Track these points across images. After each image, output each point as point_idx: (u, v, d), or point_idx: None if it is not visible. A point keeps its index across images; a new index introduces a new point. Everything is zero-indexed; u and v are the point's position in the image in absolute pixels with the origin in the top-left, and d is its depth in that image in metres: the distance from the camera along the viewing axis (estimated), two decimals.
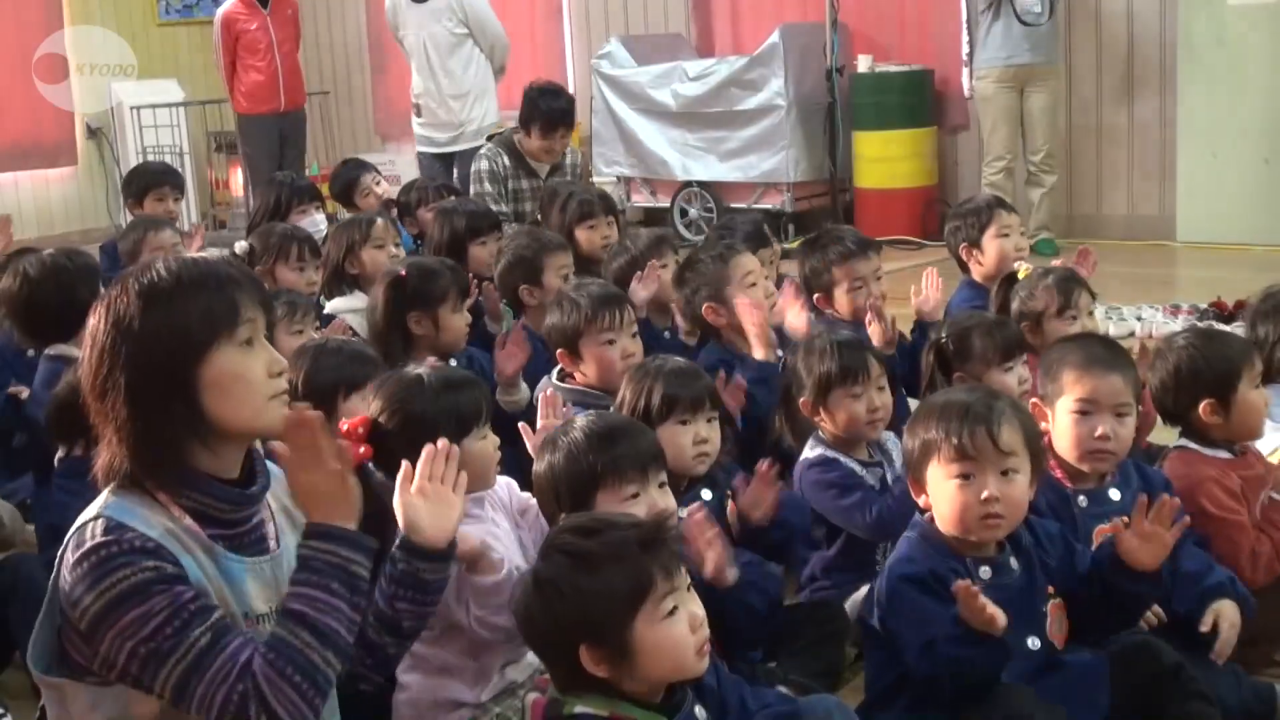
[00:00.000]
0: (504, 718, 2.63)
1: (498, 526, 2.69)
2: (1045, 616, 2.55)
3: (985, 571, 2.50)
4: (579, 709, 2.01)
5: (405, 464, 2.19)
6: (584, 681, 2.03)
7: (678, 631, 2.00)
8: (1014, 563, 2.53)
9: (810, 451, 3.20)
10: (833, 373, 3.15)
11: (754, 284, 3.81)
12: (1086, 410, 2.81)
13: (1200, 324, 3.52)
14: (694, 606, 2.04)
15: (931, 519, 2.54)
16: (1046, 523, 2.64)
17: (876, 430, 3.20)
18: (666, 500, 2.53)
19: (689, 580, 2.06)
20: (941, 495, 2.49)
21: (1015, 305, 3.76)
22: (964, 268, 4.45)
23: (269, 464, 2.11)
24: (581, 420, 2.62)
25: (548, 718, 2.04)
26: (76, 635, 1.90)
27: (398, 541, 2.18)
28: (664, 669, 2.02)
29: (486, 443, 2.64)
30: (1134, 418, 2.87)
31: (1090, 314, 3.77)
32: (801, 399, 3.20)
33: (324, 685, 1.89)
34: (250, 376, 1.96)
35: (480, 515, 2.67)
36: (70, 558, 1.89)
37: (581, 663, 2.00)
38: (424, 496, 2.16)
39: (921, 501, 2.56)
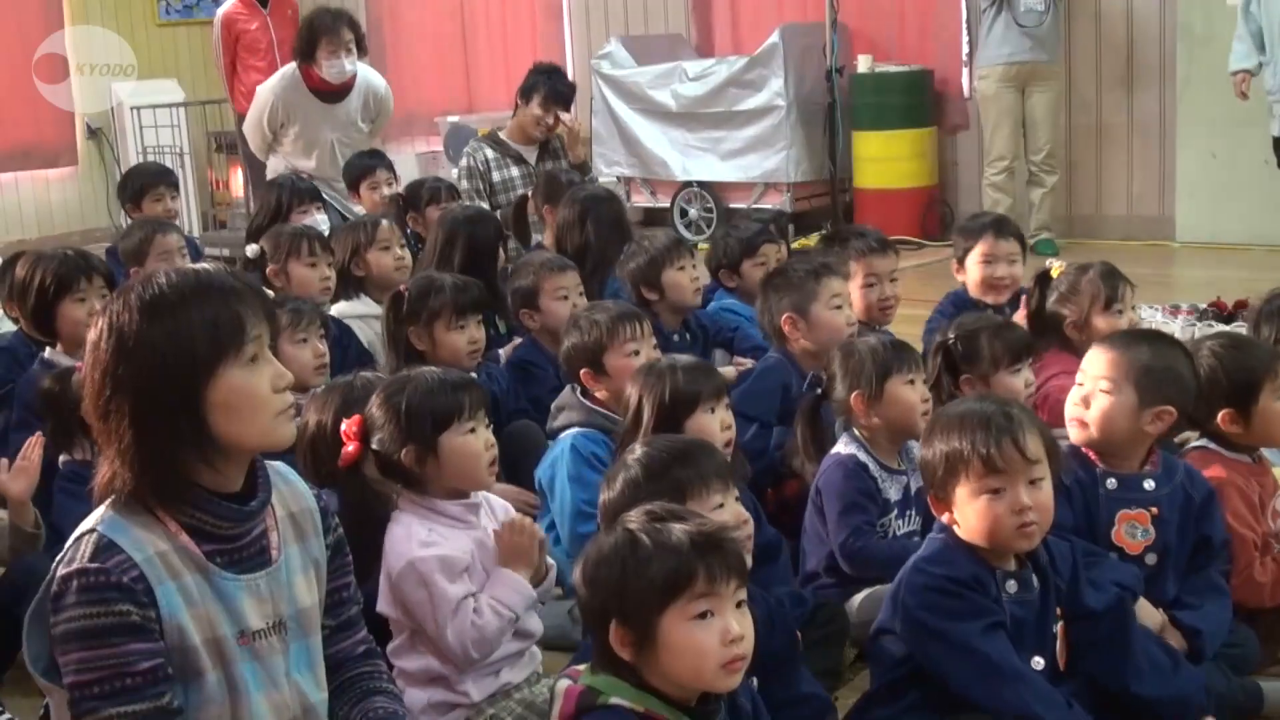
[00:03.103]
0: (497, 718, 2.64)
1: (486, 535, 2.69)
2: (1055, 638, 2.54)
3: (1011, 585, 2.50)
4: (615, 699, 2.03)
5: None
6: (612, 661, 2.04)
7: (704, 637, 2.00)
8: (1034, 580, 2.53)
9: (844, 448, 3.21)
10: (890, 361, 3.18)
11: (839, 306, 3.77)
12: (1082, 381, 2.82)
13: (1229, 328, 3.52)
14: (733, 622, 2.02)
15: (953, 532, 2.53)
16: (1059, 542, 2.61)
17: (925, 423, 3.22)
18: (742, 509, 2.51)
19: (742, 597, 2.06)
20: (972, 511, 2.47)
21: (1053, 301, 3.75)
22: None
23: (279, 469, 2.11)
24: (644, 446, 2.56)
25: (581, 705, 2.04)
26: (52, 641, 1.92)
27: None
28: (682, 671, 2.01)
29: (471, 439, 2.64)
30: (1121, 398, 2.85)
31: (1133, 308, 3.77)
32: (854, 393, 3.19)
33: None
34: (258, 394, 1.94)
35: (473, 522, 2.68)
36: (61, 570, 1.90)
37: (610, 638, 2.03)
38: None
39: (944, 518, 2.53)
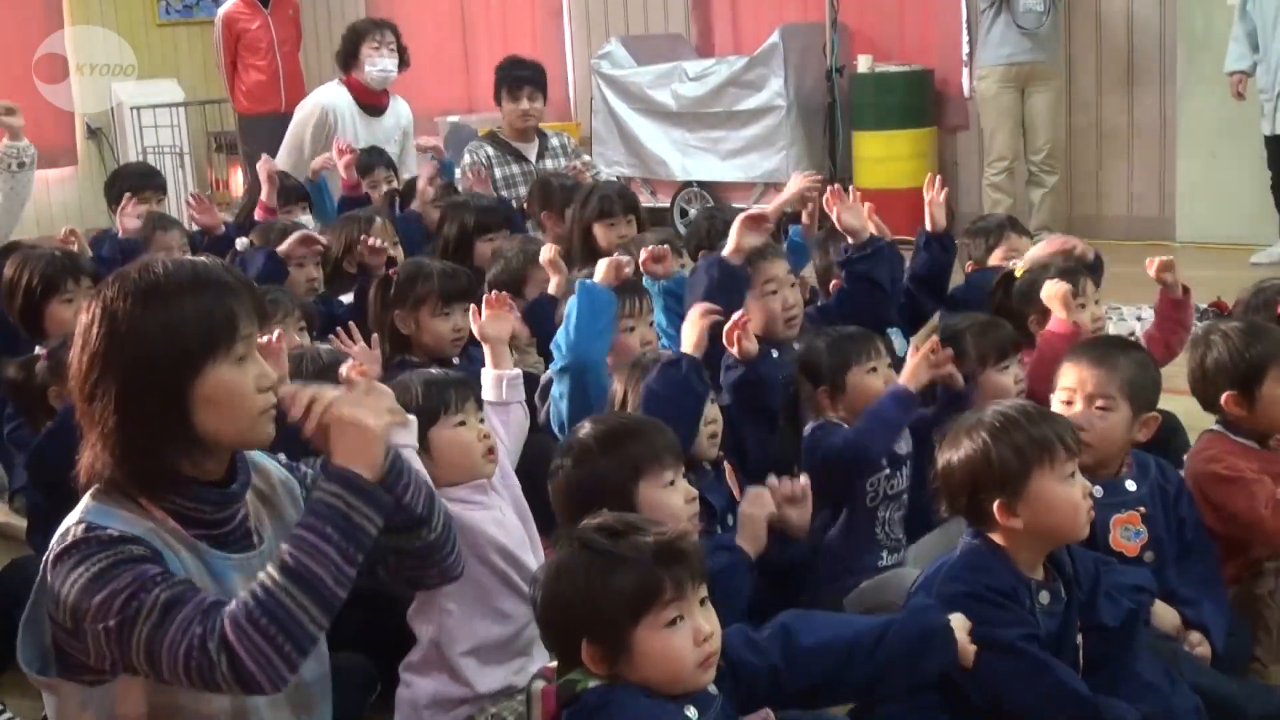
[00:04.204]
0: (499, 717, 2.65)
1: (503, 515, 2.72)
2: (1077, 649, 2.53)
3: (1044, 597, 2.48)
4: (593, 683, 2.02)
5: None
6: (586, 671, 2.04)
7: (677, 642, 2.01)
8: (1063, 591, 2.51)
9: (814, 423, 3.20)
10: (848, 352, 3.17)
11: (774, 291, 3.69)
12: (1069, 400, 2.90)
13: (1244, 316, 3.52)
14: (702, 621, 2.03)
15: (989, 540, 2.48)
16: (1082, 552, 2.59)
17: None
18: (689, 486, 2.55)
19: (704, 595, 2.07)
20: (1056, 499, 2.40)
21: (1017, 301, 3.75)
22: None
23: (253, 455, 2.09)
24: (595, 423, 2.59)
25: (560, 698, 2.04)
26: (64, 633, 1.88)
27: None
28: (660, 677, 2.02)
29: (461, 431, 2.66)
30: (1118, 414, 2.88)
31: (1096, 302, 3.77)
32: (819, 389, 3.19)
33: (299, 635, 1.75)
34: (243, 392, 1.93)
35: (484, 502, 2.70)
36: (51, 560, 1.88)
37: (581, 656, 2.02)
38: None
39: (1001, 520, 2.43)
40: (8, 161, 5.06)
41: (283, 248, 4.48)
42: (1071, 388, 2.92)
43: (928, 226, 4.14)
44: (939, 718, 2.47)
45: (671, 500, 2.48)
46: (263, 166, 5.68)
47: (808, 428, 3.21)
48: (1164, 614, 2.81)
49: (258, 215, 5.38)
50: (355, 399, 1.89)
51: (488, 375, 3.05)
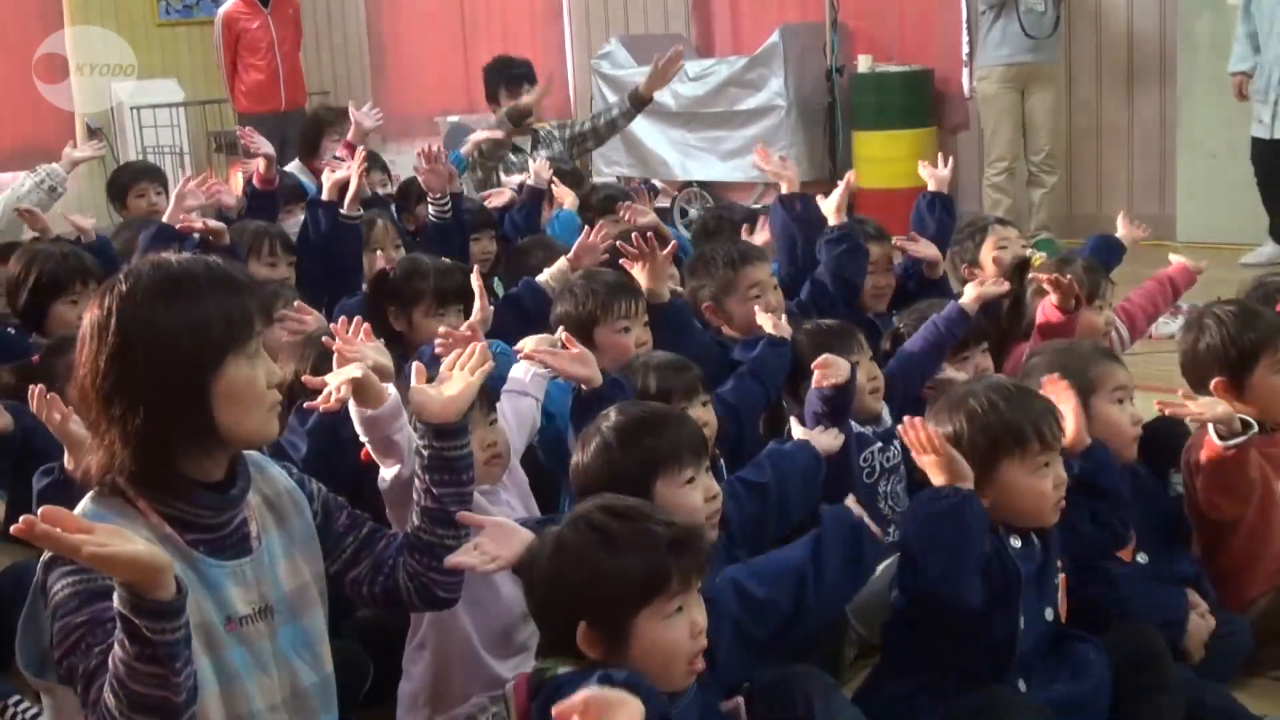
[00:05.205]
0: (500, 716, 2.64)
1: (513, 510, 2.72)
2: (1057, 589, 2.57)
3: (1015, 541, 2.51)
4: (562, 669, 2.01)
5: (417, 364, 2.24)
6: (575, 655, 2.03)
7: (677, 633, 2.01)
8: (1034, 537, 2.55)
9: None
10: (832, 346, 3.18)
11: (758, 296, 3.71)
12: (1123, 398, 2.89)
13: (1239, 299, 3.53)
14: (697, 614, 2.04)
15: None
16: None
17: (878, 400, 3.28)
18: (713, 482, 2.52)
19: (700, 585, 2.07)
20: (1021, 488, 2.47)
21: (1033, 293, 3.75)
22: None
23: (253, 457, 2.10)
24: (620, 412, 2.56)
25: (531, 687, 2.04)
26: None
27: (418, 431, 2.18)
28: (654, 667, 2.01)
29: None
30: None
31: (1111, 304, 3.79)
32: (802, 383, 3.20)
33: None
34: (258, 387, 1.95)
35: (488, 509, 2.68)
36: (42, 564, 1.87)
37: (577, 638, 2.01)
38: (431, 382, 2.19)
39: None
40: (51, 184, 5.15)
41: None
42: (1125, 387, 2.91)
43: (931, 186, 4.33)
44: (935, 700, 2.49)
45: (690, 498, 2.43)
46: (263, 153, 5.44)
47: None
48: (1199, 633, 2.79)
49: (255, 183, 5.34)
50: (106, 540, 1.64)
51: (521, 364, 3.06)
